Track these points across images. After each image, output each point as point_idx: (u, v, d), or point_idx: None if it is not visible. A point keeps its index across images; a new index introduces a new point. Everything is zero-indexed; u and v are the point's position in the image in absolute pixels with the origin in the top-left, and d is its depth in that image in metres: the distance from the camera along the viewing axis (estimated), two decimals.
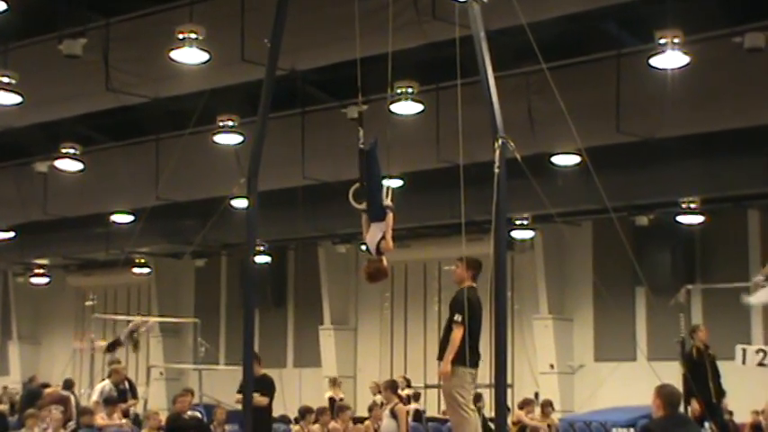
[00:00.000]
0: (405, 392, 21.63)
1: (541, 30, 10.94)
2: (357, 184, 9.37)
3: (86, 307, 26.63)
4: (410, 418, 19.08)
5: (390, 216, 9.12)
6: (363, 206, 9.25)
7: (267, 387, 15.16)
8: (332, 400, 22.20)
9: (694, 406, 14.54)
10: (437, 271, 27.71)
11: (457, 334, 9.47)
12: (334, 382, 24.02)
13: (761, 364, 16.40)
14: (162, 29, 14.91)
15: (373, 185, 9.12)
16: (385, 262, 9.09)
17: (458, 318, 9.46)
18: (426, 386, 25.17)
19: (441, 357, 9.78)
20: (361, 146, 9.32)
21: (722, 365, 15.69)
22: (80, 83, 16.25)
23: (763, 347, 17.11)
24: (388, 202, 9.17)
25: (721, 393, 15.50)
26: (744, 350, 16.48)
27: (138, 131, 20.74)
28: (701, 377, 14.72)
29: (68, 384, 19.01)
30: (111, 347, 14.26)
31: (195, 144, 17.78)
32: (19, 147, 22.22)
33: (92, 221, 24.47)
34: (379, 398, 19.81)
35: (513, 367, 23.88)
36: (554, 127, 14.68)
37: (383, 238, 9.04)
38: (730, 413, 20.58)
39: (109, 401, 16.30)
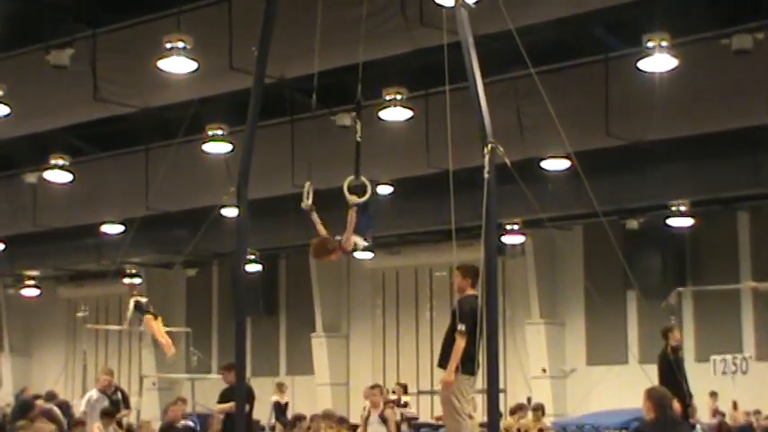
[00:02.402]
0: (393, 397, 21.54)
1: (529, 34, 10.95)
2: (352, 177, 9.46)
3: (78, 318, 26.47)
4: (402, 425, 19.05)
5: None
6: (356, 199, 9.32)
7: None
8: (277, 404, 22.07)
9: (675, 405, 14.40)
10: (428, 277, 27.70)
11: (460, 344, 9.45)
12: (280, 387, 23.87)
13: (723, 373, 16.49)
14: (149, 38, 14.87)
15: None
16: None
17: (461, 327, 9.44)
18: (419, 392, 25.16)
19: (441, 365, 9.76)
20: (358, 139, 9.46)
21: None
22: (68, 93, 16.20)
23: (725, 356, 17.17)
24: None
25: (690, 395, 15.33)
26: (714, 360, 16.61)
27: (128, 142, 20.68)
28: (678, 377, 14.61)
29: (51, 396, 18.55)
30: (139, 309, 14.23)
31: (185, 154, 17.76)
32: (7, 158, 22.17)
33: (82, 232, 24.41)
34: (368, 404, 19.75)
35: (506, 372, 23.85)
36: (543, 132, 14.68)
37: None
38: (722, 414, 20.63)
39: (106, 414, 16.10)
